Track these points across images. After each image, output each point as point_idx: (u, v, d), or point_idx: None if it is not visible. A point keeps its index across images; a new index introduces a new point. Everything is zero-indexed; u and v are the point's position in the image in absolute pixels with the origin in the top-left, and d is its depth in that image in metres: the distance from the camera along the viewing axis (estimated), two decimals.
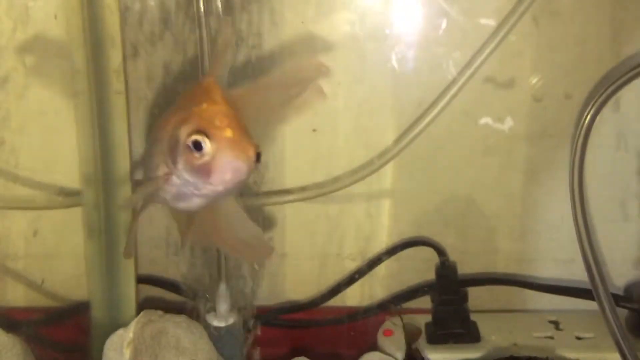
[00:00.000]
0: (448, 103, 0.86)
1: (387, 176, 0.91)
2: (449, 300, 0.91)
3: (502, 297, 0.97)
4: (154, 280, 0.92)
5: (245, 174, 0.57)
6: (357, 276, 0.95)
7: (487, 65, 0.84)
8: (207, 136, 0.56)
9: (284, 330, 0.95)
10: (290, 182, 0.91)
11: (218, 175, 0.56)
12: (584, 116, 0.78)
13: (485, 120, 0.88)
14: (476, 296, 0.93)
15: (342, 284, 0.96)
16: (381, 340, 0.91)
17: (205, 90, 0.60)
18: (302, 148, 0.90)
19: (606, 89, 0.78)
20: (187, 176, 0.58)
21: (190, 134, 0.57)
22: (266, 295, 0.94)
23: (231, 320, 0.81)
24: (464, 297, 0.92)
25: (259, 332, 0.88)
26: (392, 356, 0.88)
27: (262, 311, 0.91)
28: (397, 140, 0.88)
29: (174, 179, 0.60)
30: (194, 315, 0.82)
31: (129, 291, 0.82)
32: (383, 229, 0.94)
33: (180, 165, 0.58)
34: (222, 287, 0.81)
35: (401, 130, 0.88)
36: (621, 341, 0.75)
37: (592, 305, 0.82)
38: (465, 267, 0.93)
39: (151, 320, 0.74)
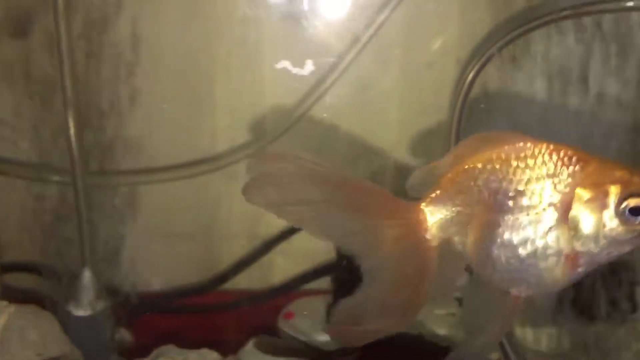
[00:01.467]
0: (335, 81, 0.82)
1: None
2: (350, 279, 0.88)
3: None
4: (17, 267, 0.87)
5: None
6: (252, 258, 0.91)
7: None
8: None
9: (175, 317, 0.91)
10: (168, 159, 0.87)
11: None
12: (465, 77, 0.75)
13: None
14: None
15: (236, 266, 0.92)
16: (282, 323, 0.88)
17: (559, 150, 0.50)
18: (184, 124, 0.87)
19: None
20: (614, 247, 0.50)
21: (620, 201, 0.49)
22: (150, 280, 0.90)
23: (96, 309, 0.76)
24: None
25: (135, 320, 0.84)
26: (292, 339, 0.85)
27: (146, 297, 0.88)
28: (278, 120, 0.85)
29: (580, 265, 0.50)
30: (57, 304, 0.78)
31: None
32: None
33: (610, 239, 0.49)
34: (86, 274, 0.76)
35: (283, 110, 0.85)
36: None
37: None
38: None
39: None
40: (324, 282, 0.90)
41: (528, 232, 0.50)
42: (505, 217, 0.50)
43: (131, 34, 0.84)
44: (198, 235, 0.91)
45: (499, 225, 0.50)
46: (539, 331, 0.85)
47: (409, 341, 0.79)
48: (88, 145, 0.83)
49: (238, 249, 0.91)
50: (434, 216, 0.52)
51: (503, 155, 0.51)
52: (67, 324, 0.75)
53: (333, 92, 0.84)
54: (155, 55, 0.85)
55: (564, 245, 0.50)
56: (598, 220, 0.49)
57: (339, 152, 0.89)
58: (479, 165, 0.51)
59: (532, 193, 0.50)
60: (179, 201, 0.90)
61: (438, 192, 0.52)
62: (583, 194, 0.49)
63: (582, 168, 0.49)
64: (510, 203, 0.50)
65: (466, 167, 0.52)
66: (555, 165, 0.50)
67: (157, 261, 0.91)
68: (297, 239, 0.90)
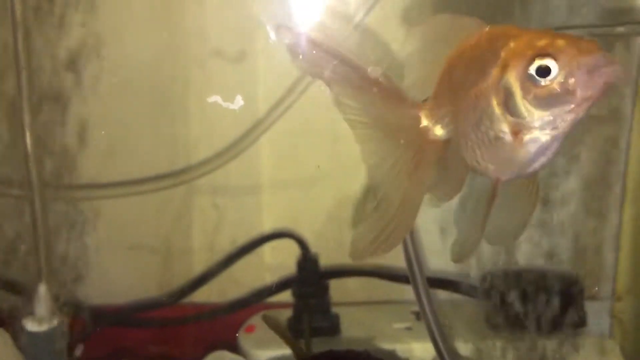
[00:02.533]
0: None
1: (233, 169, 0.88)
2: (309, 293, 0.89)
3: (370, 288, 0.94)
4: None
5: (614, 68, 0.46)
6: (213, 272, 0.91)
7: None
8: (549, 55, 0.47)
9: (134, 331, 0.91)
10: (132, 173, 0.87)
11: (586, 84, 0.46)
12: None
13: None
14: (345, 288, 0.91)
15: (196, 280, 0.91)
16: (242, 337, 0.88)
17: (496, 36, 0.50)
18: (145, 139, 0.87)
19: None
20: (542, 115, 0.48)
21: (526, 67, 0.47)
22: (110, 293, 0.90)
23: (51, 325, 0.76)
24: (325, 290, 0.89)
25: (92, 334, 0.84)
26: (251, 354, 0.85)
27: (105, 310, 0.88)
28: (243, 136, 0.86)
29: (525, 136, 0.49)
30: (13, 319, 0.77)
31: None
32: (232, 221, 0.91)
33: (527, 108, 0.48)
34: (41, 289, 0.75)
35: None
36: (435, 331, 0.75)
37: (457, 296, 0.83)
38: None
39: None
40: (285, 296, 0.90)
41: (481, 114, 0.50)
42: (469, 104, 0.51)
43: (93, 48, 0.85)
44: (158, 249, 0.91)
45: (468, 112, 0.51)
46: (489, 346, 0.86)
47: (355, 357, 0.79)
48: (47, 159, 0.83)
49: (198, 263, 0.91)
50: (432, 115, 0.53)
51: (461, 47, 0.52)
52: (22, 339, 0.74)
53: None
54: (117, 69, 0.85)
55: (502, 120, 0.50)
56: (516, 87, 0.48)
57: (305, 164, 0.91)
58: (451, 60, 0.53)
59: (482, 75, 0.50)
60: (140, 215, 0.90)
61: (435, 92, 0.54)
62: (504, 65, 0.49)
63: (514, 43, 0.49)
64: (470, 90, 0.51)
65: (446, 65, 0.53)
66: (495, 48, 0.50)
67: (116, 275, 0.91)
68: (257, 254, 0.92)
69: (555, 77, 0.47)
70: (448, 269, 0.89)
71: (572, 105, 0.47)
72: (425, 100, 0.55)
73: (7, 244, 0.86)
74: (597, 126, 0.84)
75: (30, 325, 0.74)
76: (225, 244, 0.91)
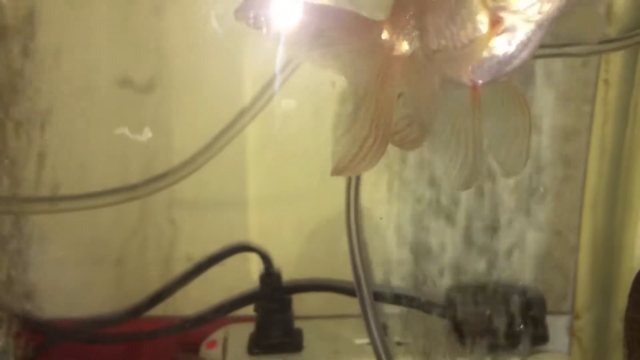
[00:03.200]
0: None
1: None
2: (271, 308, 0.88)
3: (333, 303, 0.92)
4: None
5: None
6: (167, 289, 0.89)
7: None
8: None
9: (89, 348, 0.88)
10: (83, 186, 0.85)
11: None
12: None
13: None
14: (308, 303, 0.90)
15: (152, 297, 0.89)
16: (204, 352, 0.87)
17: None
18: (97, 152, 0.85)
19: None
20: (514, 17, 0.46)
21: None
22: (63, 309, 0.88)
23: None
24: (287, 305, 0.88)
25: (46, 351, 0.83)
26: None
27: (58, 326, 0.86)
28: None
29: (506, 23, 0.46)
30: None
31: None
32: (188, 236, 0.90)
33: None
34: None
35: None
36: (379, 347, 0.76)
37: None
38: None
39: None
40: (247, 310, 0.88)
41: (456, 5, 0.48)
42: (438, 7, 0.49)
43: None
44: (113, 263, 0.89)
45: (439, 9, 0.49)
46: None
47: None
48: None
49: (153, 280, 0.90)
50: (394, 29, 0.52)
51: None
52: None
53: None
54: (71, 81, 0.84)
55: (480, 7, 0.47)
56: None
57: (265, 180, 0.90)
58: None
59: None
60: (94, 229, 0.88)
61: (396, 8, 0.53)
62: None
63: None
64: None
65: None
66: None
67: (71, 290, 0.89)
68: (218, 268, 0.90)
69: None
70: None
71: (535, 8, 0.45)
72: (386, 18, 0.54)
73: None
74: (555, 144, 0.85)
75: None
76: (182, 259, 0.89)
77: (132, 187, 0.85)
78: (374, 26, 0.54)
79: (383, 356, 0.76)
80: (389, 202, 0.88)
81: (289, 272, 0.89)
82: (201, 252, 0.89)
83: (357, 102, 0.54)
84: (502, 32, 0.46)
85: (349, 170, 0.54)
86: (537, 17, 0.46)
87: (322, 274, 0.92)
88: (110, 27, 0.82)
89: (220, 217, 0.89)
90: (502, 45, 0.47)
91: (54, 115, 0.83)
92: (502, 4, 0.46)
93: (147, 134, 0.78)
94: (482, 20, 0.47)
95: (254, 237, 0.90)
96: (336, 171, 0.54)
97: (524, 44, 0.47)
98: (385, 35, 0.53)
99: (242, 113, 0.84)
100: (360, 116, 0.54)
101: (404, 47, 0.53)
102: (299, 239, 0.92)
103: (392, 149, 0.55)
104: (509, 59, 0.48)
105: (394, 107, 0.54)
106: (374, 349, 0.76)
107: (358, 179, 0.78)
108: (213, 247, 0.89)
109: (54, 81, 0.82)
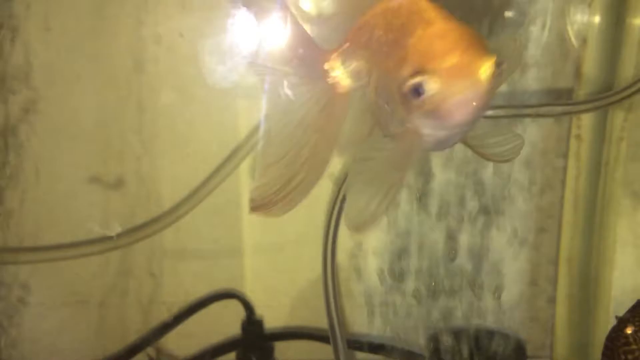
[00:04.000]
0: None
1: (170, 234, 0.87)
2: (253, 356, 0.88)
3: (314, 350, 0.91)
4: None
5: (481, 97, 0.45)
6: (159, 332, 0.88)
7: None
8: (427, 73, 0.45)
9: None
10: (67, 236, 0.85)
11: (450, 116, 0.46)
12: None
13: None
14: (293, 349, 0.90)
15: (131, 349, 0.88)
16: None
17: (412, 9, 0.48)
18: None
19: None
20: (426, 125, 0.47)
21: (406, 79, 0.46)
22: (43, 357, 0.87)
23: None
24: (269, 353, 0.88)
25: None
26: None
27: None
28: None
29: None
30: None
31: None
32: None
33: (414, 115, 0.47)
34: None
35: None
36: None
37: None
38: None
39: None
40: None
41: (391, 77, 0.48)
42: (386, 69, 0.49)
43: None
44: (94, 311, 0.89)
45: (384, 74, 0.49)
46: None
47: None
48: None
49: (137, 325, 0.89)
50: (343, 66, 0.51)
51: (388, 9, 0.50)
52: None
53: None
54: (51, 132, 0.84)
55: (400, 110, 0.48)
56: (398, 95, 0.47)
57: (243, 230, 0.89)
58: (372, 18, 0.51)
59: (392, 48, 0.49)
60: (75, 277, 0.87)
61: (347, 43, 0.52)
62: (401, 63, 0.47)
63: (417, 38, 0.47)
64: (388, 56, 0.49)
65: (365, 19, 0.51)
66: (405, 25, 0.49)
67: (51, 338, 0.88)
68: (200, 315, 0.90)
69: (428, 97, 0.46)
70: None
71: (444, 124, 0.47)
72: (335, 49, 0.53)
73: None
74: (530, 196, 0.86)
75: None
76: (162, 310, 0.89)
77: (112, 237, 0.83)
78: (318, 53, 0.52)
79: None
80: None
81: (273, 317, 0.89)
82: (182, 302, 0.89)
83: (289, 133, 0.51)
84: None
85: (271, 205, 0.51)
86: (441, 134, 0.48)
87: (310, 318, 0.91)
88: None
89: (200, 265, 0.89)
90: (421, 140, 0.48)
91: (41, 162, 0.84)
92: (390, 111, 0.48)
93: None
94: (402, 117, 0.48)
95: (236, 285, 0.90)
96: (255, 208, 0.52)
97: (440, 142, 0.49)
98: (328, 65, 0.52)
99: (219, 168, 0.84)
100: (289, 160, 0.51)
101: (349, 82, 0.52)
102: (282, 284, 0.92)
103: None
104: (432, 147, 0.49)
105: (332, 146, 0.52)
106: None
107: (337, 224, 0.77)
108: (194, 297, 0.89)
109: (38, 131, 0.83)
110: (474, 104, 0.45)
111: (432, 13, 0.48)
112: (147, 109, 0.83)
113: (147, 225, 0.84)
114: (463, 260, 0.88)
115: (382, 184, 0.50)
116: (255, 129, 0.82)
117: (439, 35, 0.46)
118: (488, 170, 0.83)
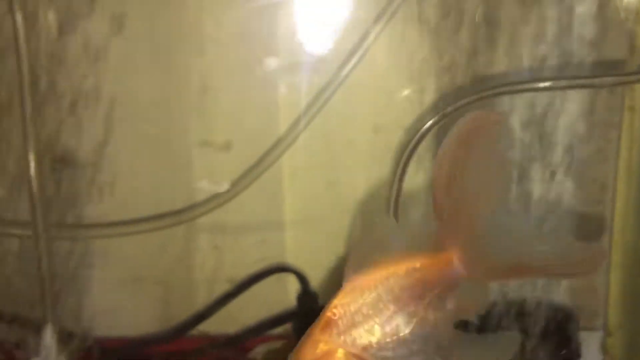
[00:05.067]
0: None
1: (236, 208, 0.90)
2: (308, 327, 0.90)
3: None
4: None
5: None
6: (214, 306, 0.92)
7: None
8: None
9: None
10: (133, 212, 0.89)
11: None
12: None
13: None
14: None
15: (199, 315, 0.93)
16: None
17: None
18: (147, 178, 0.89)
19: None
20: None
21: None
22: (115, 329, 0.91)
23: None
24: None
25: None
26: None
27: (110, 345, 0.89)
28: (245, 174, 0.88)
29: None
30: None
31: None
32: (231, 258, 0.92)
33: None
34: (48, 331, 0.77)
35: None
36: None
37: None
38: None
39: None
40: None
41: None
42: None
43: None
44: (160, 286, 0.93)
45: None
46: None
47: None
48: (52, 199, 0.86)
49: (198, 299, 0.93)
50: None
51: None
52: None
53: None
54: (118, 110, 0.88)
55: None
56: None
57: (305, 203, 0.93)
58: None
59: None
60: (142, 253, 0.91)
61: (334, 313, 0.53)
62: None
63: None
64: None
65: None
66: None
67: (120, 310, 0.92)
68: (257, 288, 0.93)
69: None
70: None
71: None
72: None
73: (11, 282, 0.88)
74: (584, 168, 0.87)
75: None
76: (225, 281, 0.92)
77: (178, 212, 0.88)
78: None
79: None
80: None
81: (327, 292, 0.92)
82: (244, 273, 0.92)
83: None
84: None
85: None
86: None
87: None
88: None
89: (262, 239, 0.92)
90: None
91: (107, 146, 0.88)
92: None
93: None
94: None
95: (291, 259, 0.93)
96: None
97: None
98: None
99: (278, 141, 0.87)
100: None
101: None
102: (334, 259, 0.94)
103: None
104: None
105: None
106: None
107: (399, 191, 0.80)
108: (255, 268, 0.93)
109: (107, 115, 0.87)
110: None
111: (320, 318, 0.53)
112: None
113: (210, 200, 0.88)
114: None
115: None
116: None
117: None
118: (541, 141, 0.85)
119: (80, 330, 0.87)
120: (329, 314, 0.52)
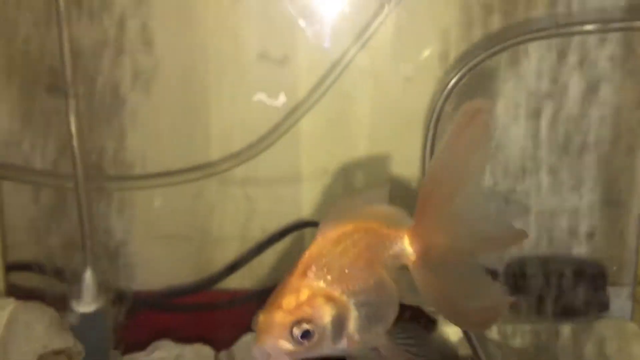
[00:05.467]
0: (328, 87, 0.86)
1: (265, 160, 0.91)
2: None
3: None
4: (22, 267, 0.90)
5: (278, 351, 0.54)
6: (243, 260, 0.94)
7: None
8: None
9: (170, 315, 0.94)
10: (166, 164, 0.91)
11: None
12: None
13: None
14: None
15: (228, 267, 0.95)
16: None
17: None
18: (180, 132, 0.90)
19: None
20: None
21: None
22: (146, 280, 0.93)
23: (96, 307, 0.80)
24: None
25: (132, 317, 0.88)
26: None
27: (142, 295, 0.91)
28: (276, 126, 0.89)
29: None
30: (61, 301, 0.81)
31: None
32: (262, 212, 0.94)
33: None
34: (88, 273, 0.80)
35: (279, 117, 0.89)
36: None
37: None
38: None
39: (2, 308, 0.72)
40: None
41: None
42: None
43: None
44: (192, 238, 0.94)
45: None
46: (512, 329, 0.89)
47: None
48: (89, 152, 0.88)
49: (230, 251, 0.94)
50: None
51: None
52: (70, 319, 0.79)
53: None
54: (153, 62, 0.89)
55: None
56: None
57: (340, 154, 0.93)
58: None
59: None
60: (175, 205, 0.93)
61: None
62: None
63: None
64: None
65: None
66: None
67: (153, 262, 0.94)
68: (287, 241, 0.94)
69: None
70: None
71: None
72: None
73: (53, 232, 0.91)
74: (622, 116, 0.87)
75: (79, 307, 0.79)
76: (257, 233, 0.94)
77: (211, 164, 0.90)
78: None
79: None
80: None
81: None
82: (276, 226, 0.93)
83: None
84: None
85: None
86: None
87: None
88: None
89: (295, 192, 0.93)
90: None
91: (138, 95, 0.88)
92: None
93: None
94: None
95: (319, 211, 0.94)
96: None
97: None
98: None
99: (310, 93, 0.88)
100: None
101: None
102: None
103: None
104: None
105: None
106: None
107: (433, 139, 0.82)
108: (288, 221, 0.93)
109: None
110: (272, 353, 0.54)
111: (295, 267, 0.57)
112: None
113: (243, 151, 0.89)
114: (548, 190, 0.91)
115: None
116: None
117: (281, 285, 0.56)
118: None
119: (115, 282, 0.90)
120: (305, 261, 0.57)
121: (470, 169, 0.58)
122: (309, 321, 0.54)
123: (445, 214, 0.58)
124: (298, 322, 0.54)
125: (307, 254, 0.57)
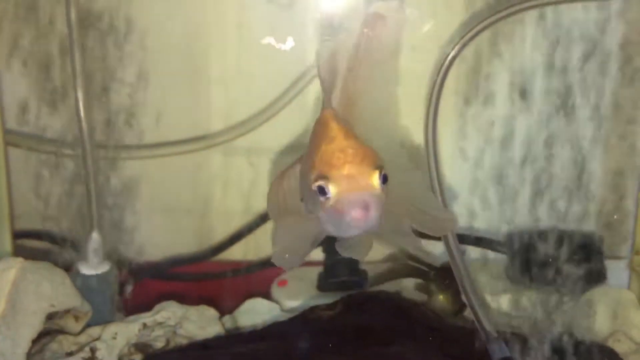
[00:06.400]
0: None
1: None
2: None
3: None
4: (30, 233, 0.92)
5: (372, 207, 0.56)
6: (247, 229, 0.95)
7: None
8: (327, 179, 0.57)
9: (173, 284, 0.96)
10: (168, 134, 0.92)
11: (344, 213, 0.56)
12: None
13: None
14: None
15: (233, 237, 0.96)
16: (274, 290, 0.94)
17: (323, 125, 0.60)
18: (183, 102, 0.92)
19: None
20: (325, 220, 0.59)
21: (314, 181, 0.57)
22: (150, 249, 0.94)
23: (102, 270, 0.82)
24: None
25: (134, 282, 0.89)
26: (282, 304, 0.91)
27: (146, 264, 0.93)
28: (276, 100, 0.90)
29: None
30: (69, 269, 0.83)
31: (4, 245, 0.82)
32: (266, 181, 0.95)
33: (319, 210, 0.58)
34: (94, 236, 0.82)
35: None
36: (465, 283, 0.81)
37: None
38: None
39: (10, 267, 0.74)
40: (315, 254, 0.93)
41: None
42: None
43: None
44: (195, 208, 0.96)
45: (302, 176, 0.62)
46: (511, 298, 0.91)
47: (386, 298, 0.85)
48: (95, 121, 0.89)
49: (233, 222, 0.96)
50: None
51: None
52: (77, 281, 0.80)
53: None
54: (154, 35, 0.90)
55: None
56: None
57: None
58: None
59: (308, 157, 0.61)
60: (178, 176, 0.95)
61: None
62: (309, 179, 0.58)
63: (324, 148, 0.58)
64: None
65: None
66: (318, 139, 0.60)
67: (156, 232, 0.96)
68: None
69: (329, 197, 0.57)
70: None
71: (342, 219, 0.57)
72: None
73: (60, 200, 0.92)
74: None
75: (85, 270, 0.81)
76: (261, 203, 0.94)
77: (214, 135, 0.91)
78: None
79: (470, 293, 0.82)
80: None
81: None
82: None
83: None
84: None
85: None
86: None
87: None
88: None
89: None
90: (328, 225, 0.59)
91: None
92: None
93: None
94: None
95: None
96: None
97: (345, 228, 0.58)
98: None
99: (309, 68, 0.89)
100: None
101: None
102: None
103: None
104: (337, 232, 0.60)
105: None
106: (461, 287, 0.82)
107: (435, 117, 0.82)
108: None
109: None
110: (364, 205, 0.56)
111: (335, 131, 0.59)
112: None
113: (246, 122, 0.91)
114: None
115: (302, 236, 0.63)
116: None
117: (338, 149, 0.58)
118: None
119: (120, 251, 0.91)
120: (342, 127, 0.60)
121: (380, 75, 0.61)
122: (383, 168, 0.57)
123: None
124: (381, 168, 0.57)
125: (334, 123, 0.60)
